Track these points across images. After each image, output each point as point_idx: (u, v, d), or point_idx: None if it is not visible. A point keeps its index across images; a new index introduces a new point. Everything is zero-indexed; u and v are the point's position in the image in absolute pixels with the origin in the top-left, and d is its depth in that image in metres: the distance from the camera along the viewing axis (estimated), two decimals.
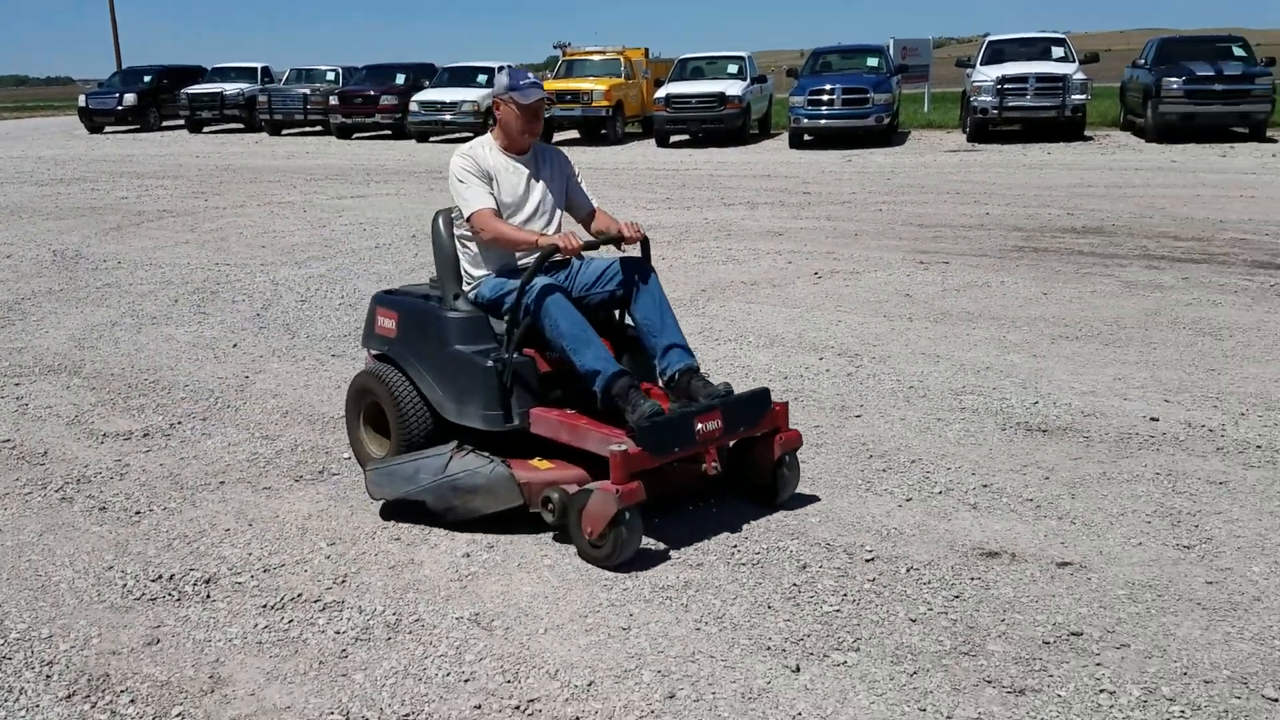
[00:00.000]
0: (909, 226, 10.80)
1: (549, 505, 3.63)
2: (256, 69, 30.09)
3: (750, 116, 21.65)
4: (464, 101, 23.30)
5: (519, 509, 3.69)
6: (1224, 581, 3.28)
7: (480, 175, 4.12)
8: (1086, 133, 19.58)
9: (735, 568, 3.50)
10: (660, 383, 3.98)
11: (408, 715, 2.72)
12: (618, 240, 4.07)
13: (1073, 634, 3.02)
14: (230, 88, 28.52)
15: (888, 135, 20.10)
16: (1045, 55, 19.75)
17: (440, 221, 4.32)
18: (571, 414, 3.83)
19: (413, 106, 23.73)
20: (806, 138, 20.26)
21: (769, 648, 2.99)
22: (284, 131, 27.42)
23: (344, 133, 25.60)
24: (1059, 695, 2.72)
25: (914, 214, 11.66)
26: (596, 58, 23.74)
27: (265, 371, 6.00)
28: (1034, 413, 4.95)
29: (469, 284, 4.23)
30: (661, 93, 21.01)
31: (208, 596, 3.39)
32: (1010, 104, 18.69)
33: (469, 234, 4.16)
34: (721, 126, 20.71)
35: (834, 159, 18.06)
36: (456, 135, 24.44)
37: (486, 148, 4.23)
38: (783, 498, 3.97)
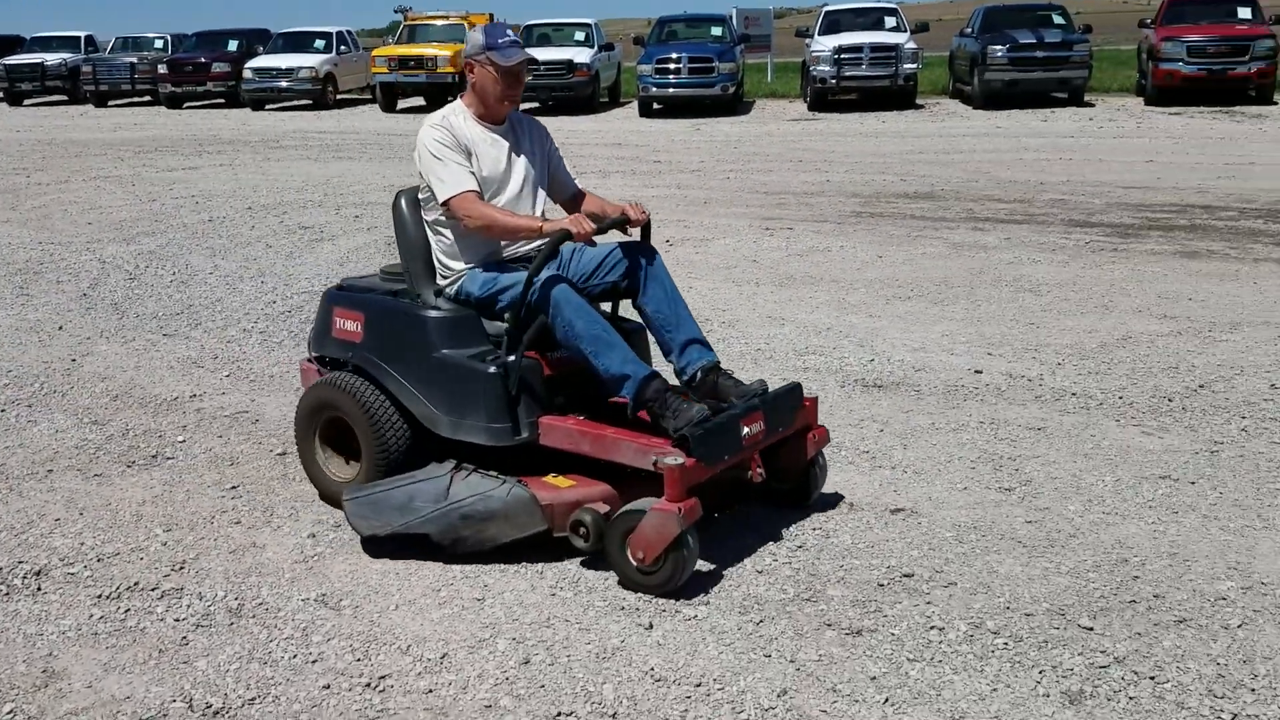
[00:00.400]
0: (755, 194, 11.03)
1: (581, 530, 3.18)
2: (80, 38, 28.32)
3: (600, 84, 21.62)
4: (301, 68, 22.51)
5: (540, 534, 3.25)
6: (1042, 521, 3.51)
7: (458, 150, 3.55)
8: (918, 101, 20.34)
9: None
10: (680, 382, 3.53)
11: (254, 699, 2.66)
12: (623, 224, 3.57)
13: (905, 575, 3.19)
14: (52, 58, 26.76)
15: (733, 104, 20.41)
16: (879, 25, 20.38)
17: (404, 203, 3.73)
18: (590, 422, 3.39)
19: (246, 74, 22.82)
20: (656, 106, 20.38)
21: (623, 608, 3.05)
22: (110, 103, 25.86)
23: (174, 102, 24.35)
24: (893, 634, 2.88)
25: (760, 182, 11.91)
26: (440, 22, 23.24)
27: (93, 354, 5.70)
28: (870, 370, 5.16)
29: (445, 278, 3.67)
30: None
31: (38, 589, 3.22)
32: (847, 74, 19.24)
33: (444, 220, 3.60)
34: (571, 94, 20.60)
35: (683, 127, 18.24)
36: (293, 104, 23.56)
37: (461, 117, 3.65)
38: (813, 499, 3.64)
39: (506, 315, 3.45)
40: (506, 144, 3.67)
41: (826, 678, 2.69)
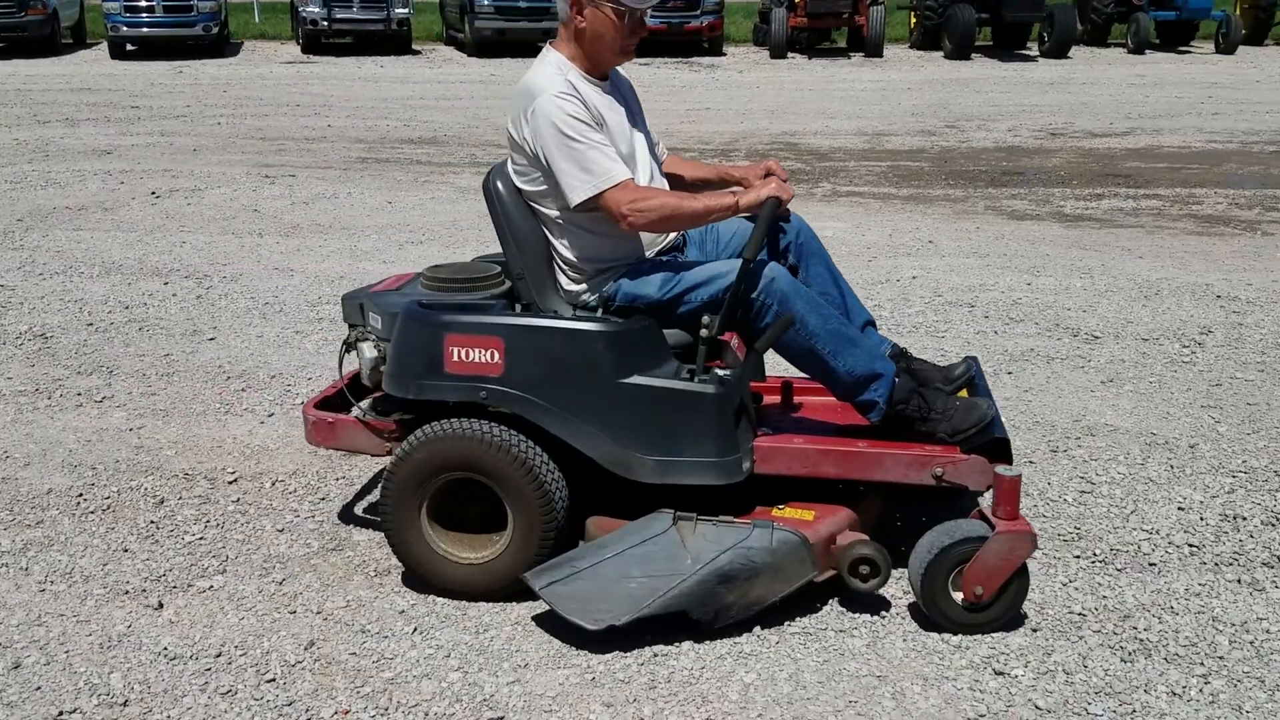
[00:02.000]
0: (251, 140, 10.48)
1: (862, 568, 2.65)
2: None
3: (60, 23, 19.03)
4: None
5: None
6: None
7: (596, 126, 2.75)
8: (415, 46, 20.39)
9: (82, 518, 3.25)
10: None
11: None
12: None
13: None
14: None
15: (219, 45, 19.06)
16: None
17: (502, 188, 2.90)
18: (818, 438, 2.84)
19: None
20: (130, 48, 18.43)
21: (127, 592, 2.85)
22: None
23: None
24: None
25: (255, 127, 11.32)
26: None
27: None
28: None
29: (581, 281, 2.90)
30: None
31: None
32: (339, 15, 18.75)
33: (581, 215, 2.80)
34: (25, 35, 17.95)
35: (164, 70, 16.71)
36: None
37: (575, 75, 2.82)
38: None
39: (708, 320, 2.72)
40: (623, 109, 2.91)
41: (355, 621, 2.73)
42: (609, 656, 2.57)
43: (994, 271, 5.94)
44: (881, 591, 2.76)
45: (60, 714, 2.37)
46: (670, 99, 14.27)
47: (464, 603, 2.80)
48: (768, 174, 2.92)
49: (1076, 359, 4.57)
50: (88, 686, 2.47)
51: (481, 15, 18.87)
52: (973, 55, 19.20)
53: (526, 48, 19.84)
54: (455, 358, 2.75)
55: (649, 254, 2.95)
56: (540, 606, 2.71)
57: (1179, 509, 3.27)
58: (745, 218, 2.92)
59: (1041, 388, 4.26)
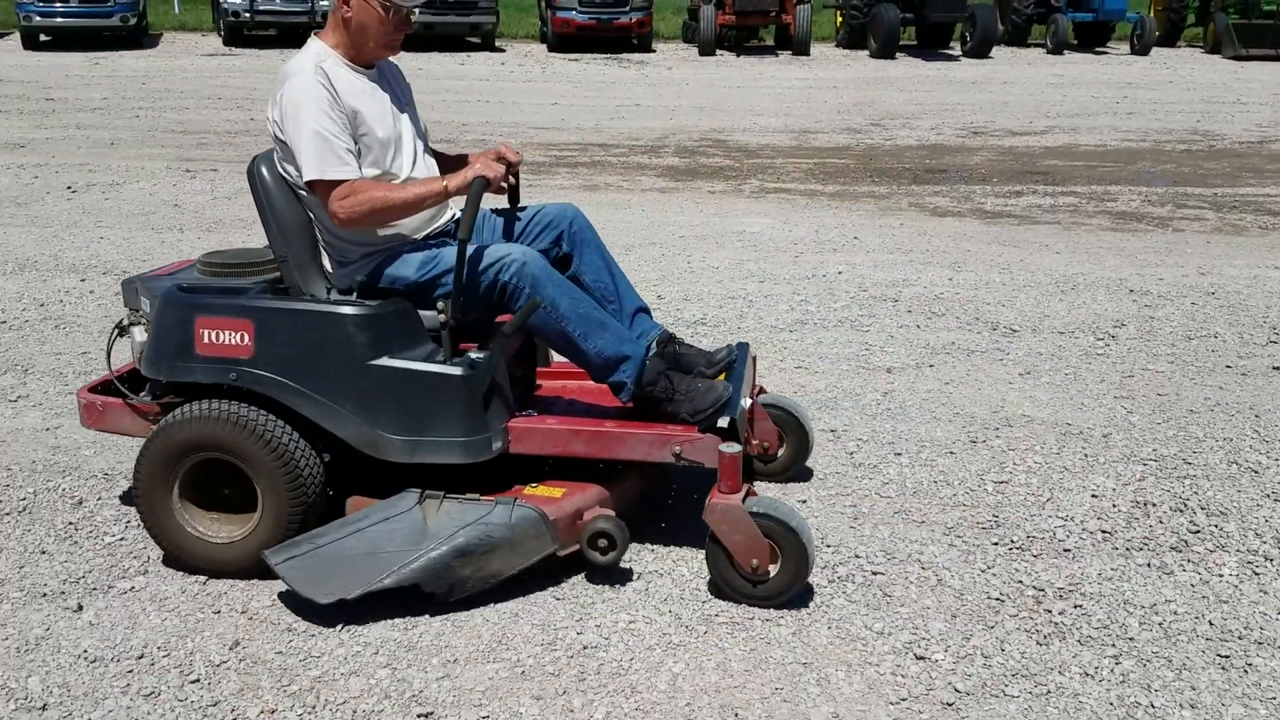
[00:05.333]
0: (171, 134, 10.24)
1: (601, 542, 2.75)
2: None
3: None
4: None
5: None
6: None
7: (342, 116, 2.78)
8: None
9: None
10: None
11: None
12: (507, 168, 2.94)
13: None
14: None
15: (138, 37, 18.56)
16: None
17: (265, 173, 2.89)
18: (570, 418, 2.95)
19: None
20: (44, 38, 17.86)
21: (45, 594, 2.78)
22: None
23: None
24: None
25: (175, 120, 11.07)
26: None
27: None
28: None
29: (346, 265, 2.92)
30: None
31: None
32: (261, 7, 18.39)
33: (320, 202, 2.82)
34: None
35: (79, 61, 16.24)
36: None
37: (330, 62, 2.85)
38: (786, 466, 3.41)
39: (443, 305, 2.79)
40: (386, 96, 2.95)
41: (281, 620, 2.70)
42: (538, 650, 2.58)
43: (917, 267, 6.06)
44: (810, 580, 2.82)
45: None
46: (599, 95, 14.26)
47: (392, 600, 2.78)
48: (498, 158, 2.95)
49: (995, 352, 4.69)
50: (4, 690, 2.41)
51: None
52: (897, 54, 19.51)
53: (454, 42, 19.70)
54: (205, 340, 2.80)
55: (418, 237, 2.99)
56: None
57: (1092, 496, 3.38)
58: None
59: (962, 380, 4.37)
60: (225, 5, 18.51)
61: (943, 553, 3.06)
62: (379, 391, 2.76)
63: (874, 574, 2.95)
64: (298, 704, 2.39)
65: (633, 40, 20.27)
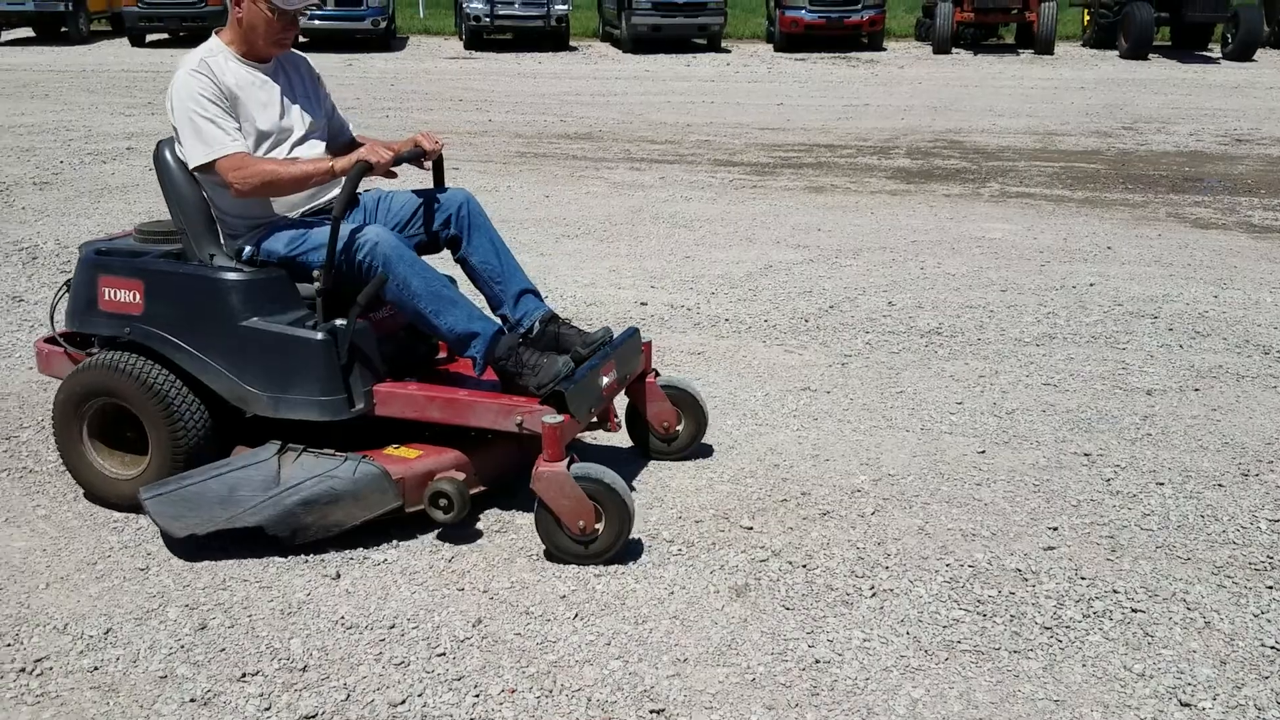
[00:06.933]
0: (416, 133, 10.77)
1: (442, 501, 2.96)
2: None
3: None
4: None
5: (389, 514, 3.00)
6: (706, 435, 3.77)
7: (222, 101, 3.09)
8: (571, 43, 20.68)
9: None
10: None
11: None
12: (419, 157, 3.23)
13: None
14: None
15: (386, 40, 19.75)
16: None
17: (168, 155, 3.21)
18: (434, 385, 3.18)
19: None
20: (301, 39, 19.28)
21: (307, 561, 2.96)
22: None
23: None
24: None
25: (421, 121, 11.66)
26: None
27: None
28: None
29: (235, 237, 3.22)
30: None
31: None
32: (501, 13, 19.18)
33: (215, 180, 3.13)
34: (204, 25, 19.02)
35: (335, 63, 17.41)
36: None
37: (222, 57, 3.16)
38: (680, 444, 3.58)
39: (317, 275, 3.05)
40: (278, 87, 3.22)
41: (519, 602, 2.77)
42: (768, 659, 2.53)
43: (1178, 282, 5.61)
44: (1059, 613, 2.64)
45: (244, 675, 2.48)
46: (826, 95, 14.04)
47: (623, 593, 2.81)
48: (414, 145, 3.23)
49: (1269, 378, 4.27)
50: (269, 650, 2.57)
51: (639, 11, 19.00)
52: (1150, 55, 18.23)
53: (681, 44, 19.91)
54: (107, 297, 3.19)
55: (295, 214, 3.24)
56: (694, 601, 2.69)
57: None
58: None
59: (1231, 407, 3.99)
60: (467, 10, 19.42)
61: (1211, 593, 2.80)
62: (248, 351, 3.06)
63: (1134, 611, 2.73)
64: (536, 686, 2.44)
65: (863, 39, 19.87)
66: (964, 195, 7.90)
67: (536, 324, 3.26)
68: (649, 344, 3.53)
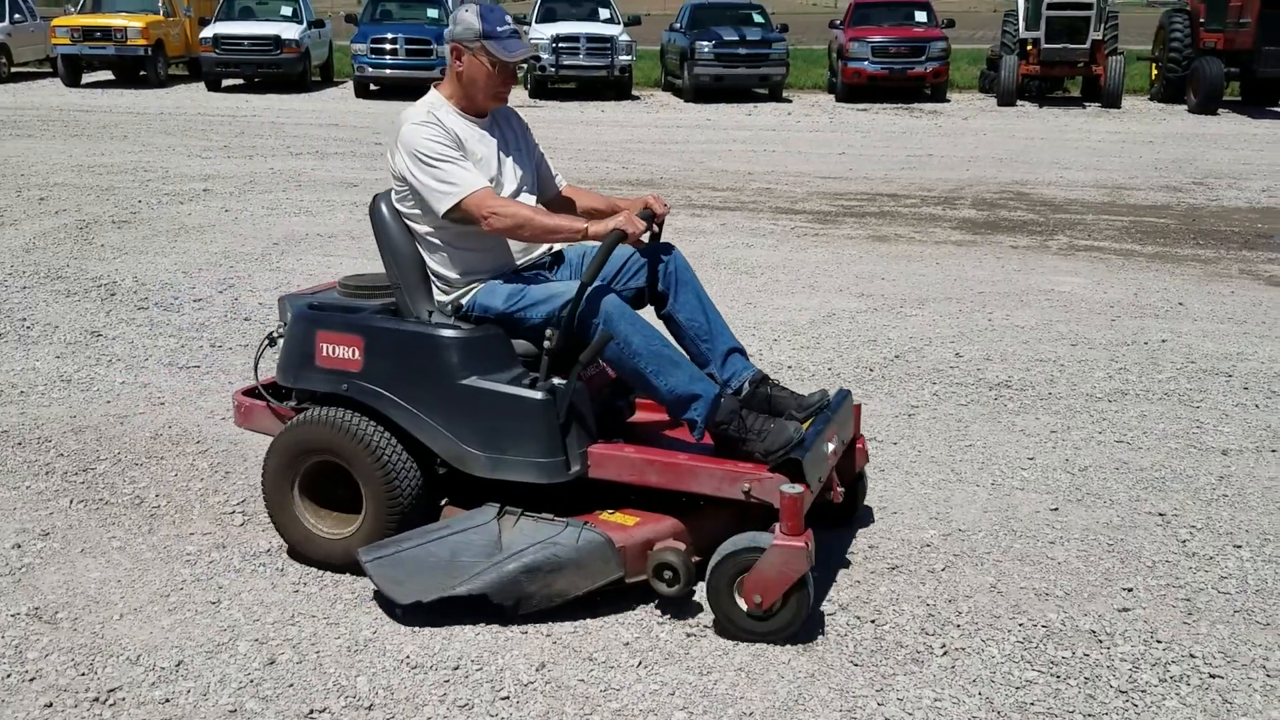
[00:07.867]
0: None
1: (667, 573, 2.82)
2: None
3: (311, 62, 20.70)
4: None
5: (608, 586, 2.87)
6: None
7: (457, 146, 3.09)
8: (634, 92, 20.95)
9: None
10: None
11: None
12: (649, 219, 3.14)
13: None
14: None
15: None
16: (593, 16, 20.78)
17: (384, 209, 3.20)
18: (651, 449, 3.04)
19: None
20: (373, 87, 19.79)
21: (374, 599, 2.99)
22: None
23: None
24: (642, 601, 2.99)
25: None
26: None
27: None
28: None
29: (448, 293, 3.18)
30: (208, 33, 19.41)
31: None
32: (565, 62, 19.51)
33: (445, 227, 3.10)
34: (280, 71, 19.62)
35: (397, 110, 17.82)
36: None
37: (443, 110, 3.17)
38: (856, 514, 3.46)
39: (550, 334, 2.98)
40: (495, 141, 3.22)
41: (582, 648, 2.76)
42: (837, 716, 2.50)
43: (1253, 340, 5.48)
44: (1134, 676, 2.56)
45: (311, 712, 2.50)
46: (889, 145, 14.03)
47: (687, 642, 2.79)
48: (645, 207, 3.18)
49: None
50: (336, 687, 2.59)
51: (701, 61, 19.20)
52: (1219, 110, 17.98)
53: (743, 93, 20.07)
54: (324, 353, 3.13)
55: (511, 270, 3.21)
56: (759, 651, 2.66)
57: None
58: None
59: None
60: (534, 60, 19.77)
61: None
62: (467, 409, 2.98)
63: (1212, 676, 2.64)
64: None
65: (926, 90, 19.86)
66: (1031, 248, 7.82)
67: (746, 385, 3.13)
68: (858, 406, 3.37)
